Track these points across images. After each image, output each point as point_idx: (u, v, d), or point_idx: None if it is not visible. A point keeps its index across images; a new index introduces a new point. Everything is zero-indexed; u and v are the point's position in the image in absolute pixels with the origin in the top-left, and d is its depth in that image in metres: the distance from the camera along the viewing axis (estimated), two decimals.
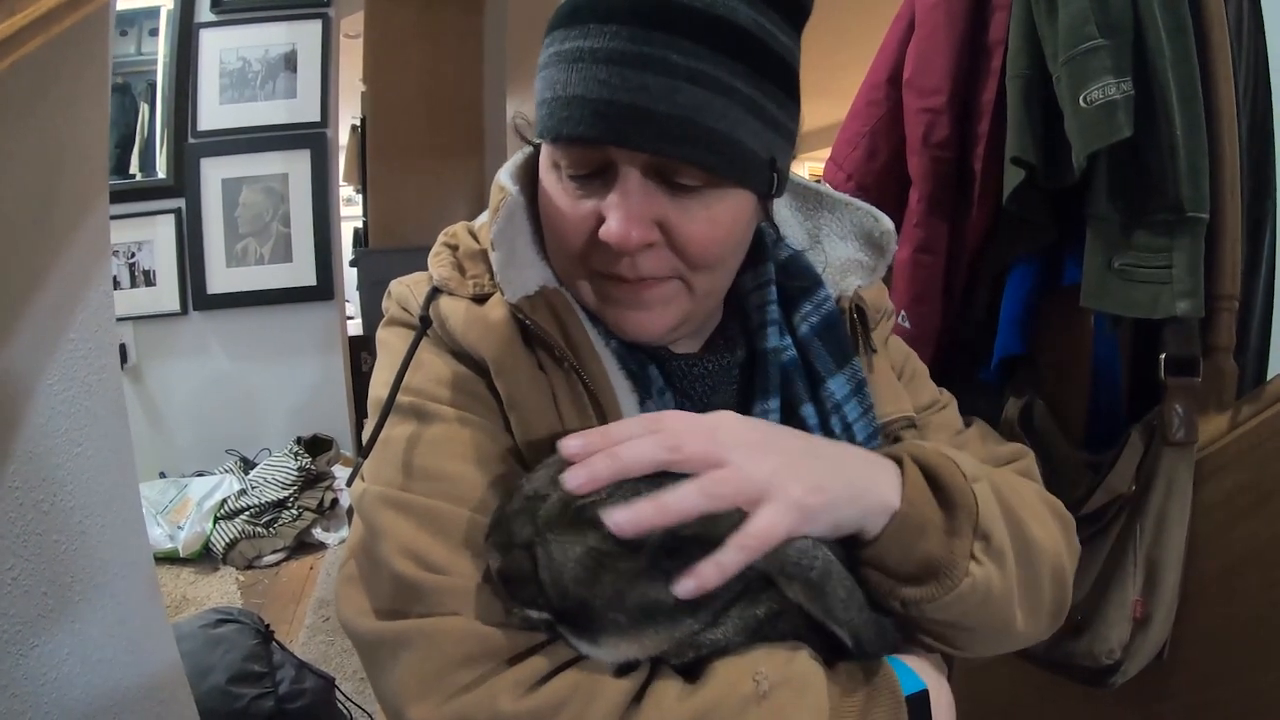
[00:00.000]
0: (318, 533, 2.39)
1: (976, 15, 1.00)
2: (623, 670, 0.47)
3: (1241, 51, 0.91)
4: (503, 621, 0.47)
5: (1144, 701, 0.94)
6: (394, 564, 0.48)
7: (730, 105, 0.49)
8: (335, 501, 2.50)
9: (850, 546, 0.50)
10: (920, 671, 0.50)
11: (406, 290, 0.60)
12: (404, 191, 2.59)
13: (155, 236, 2.59)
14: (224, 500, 2.33)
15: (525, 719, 0.44)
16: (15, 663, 0.74)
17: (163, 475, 2.57)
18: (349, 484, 0.57)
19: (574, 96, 0.48)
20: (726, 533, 0.44)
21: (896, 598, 0.49)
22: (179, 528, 2.25)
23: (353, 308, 3.33)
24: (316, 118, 2.63)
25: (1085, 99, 0.82)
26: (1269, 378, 0.94)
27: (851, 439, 0.59)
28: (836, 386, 0.60)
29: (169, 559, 2.20)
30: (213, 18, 2.58)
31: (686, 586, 0.43)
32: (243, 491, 2.38)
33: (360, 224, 3.12)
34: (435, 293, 0.57)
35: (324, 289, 2.71)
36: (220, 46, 2.59)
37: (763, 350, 0.60)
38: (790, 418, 0.59)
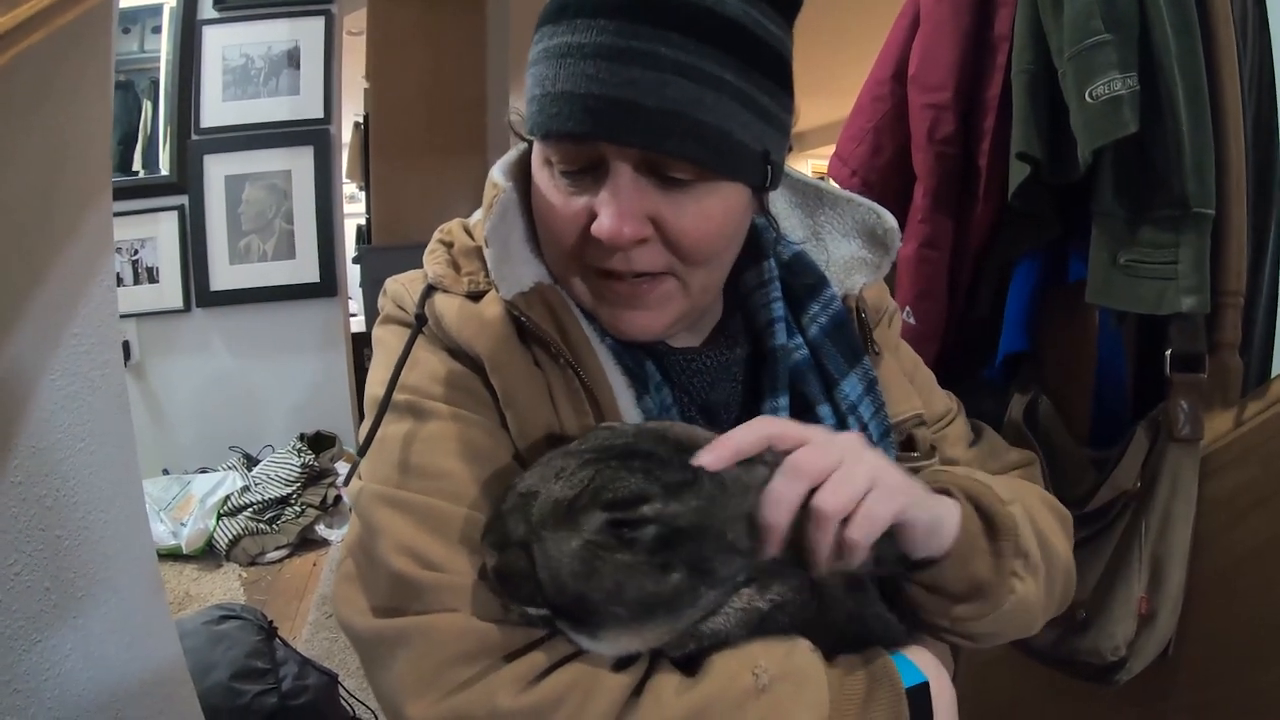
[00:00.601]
0: (321, 529, 2.39)
1: (981, 10, 1.00)
2: (621, 664, 0.46)
3: (1247, 48, 0.90)
4: (500, 618, 0.47)
5: (1147, 700, 0.94)
6: (391, 562, 0.48)
7: (720, 98, 0.48)
8: (339, 498, 2.50)
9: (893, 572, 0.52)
10: (921, 664, 0.50)
11: (402, 288, 0.60)
12: (407, 189, 2.59)
13: (158, 233, 2.59)
14: (227, 497, 2.34)
15: (524, 715, 0.44)
16: (18, 658, 0.74)
17: (166, 472, 2.57)
18: (345, 483, 0.56)
19: (563, 92, 0.48)
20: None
21: (948, 617, 0.52)
22: (182, 524, 2.25)
23: (356, 304, 3.33)
24: (319, 114, 2.63)
25: (1091, 94, 0.81)
26: (1273, 374, 0.94)
27: (869, 438, 0.59)
28: (850, 388, 0.60)
29: (172, 556, 2.21)
30: (215, 15, 2.58)
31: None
32: (246, 488, 2.38)
33: (363, 221, 3.12)
34: (430, 290, 0.57)
35: (327, 286, 2.71)
36: (223, 43, 2.58)
37: (771, 348, 0.59)
38: (803, 416, 0.59)
